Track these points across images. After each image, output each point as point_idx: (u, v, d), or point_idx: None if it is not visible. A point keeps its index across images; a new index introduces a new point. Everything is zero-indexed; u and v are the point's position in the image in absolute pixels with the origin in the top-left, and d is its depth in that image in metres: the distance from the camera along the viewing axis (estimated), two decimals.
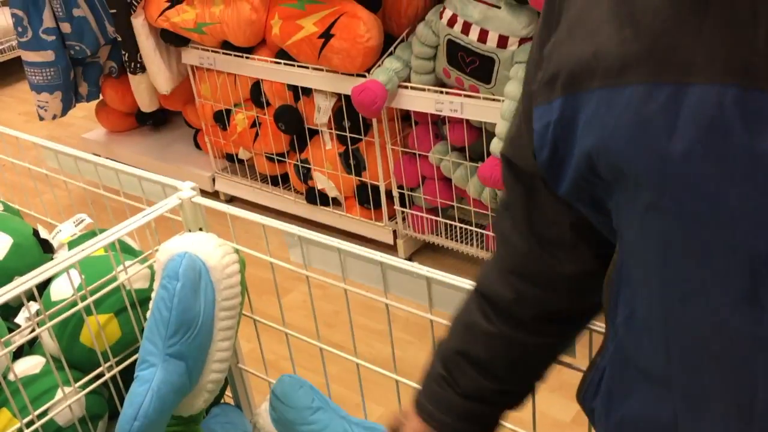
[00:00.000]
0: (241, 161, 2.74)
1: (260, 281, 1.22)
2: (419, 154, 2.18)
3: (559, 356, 0.73)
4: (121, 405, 1.17)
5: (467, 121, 2.00)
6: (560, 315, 0.66)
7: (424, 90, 2.00)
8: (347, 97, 2.15)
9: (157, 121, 3.18)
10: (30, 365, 1.11)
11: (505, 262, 0.67)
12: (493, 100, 1.86)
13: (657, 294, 0.49)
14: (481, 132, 2.04)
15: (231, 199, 2.84)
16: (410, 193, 2.30)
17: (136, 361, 1.15)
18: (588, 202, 0.55)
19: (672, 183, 0.45)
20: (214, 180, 2.84)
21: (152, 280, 1.17)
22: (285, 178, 2.63)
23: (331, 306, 1.15)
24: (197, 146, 2.98)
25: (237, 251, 1.08)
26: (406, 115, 2.22)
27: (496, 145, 1.81)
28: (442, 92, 1.96)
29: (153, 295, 1.01)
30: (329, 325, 1.93)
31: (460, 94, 1.92)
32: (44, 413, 1.06)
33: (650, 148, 0.45)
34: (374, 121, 2.19)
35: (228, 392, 1.39)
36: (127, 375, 1.16)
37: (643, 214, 0.48)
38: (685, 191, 0.44)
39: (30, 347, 1.19)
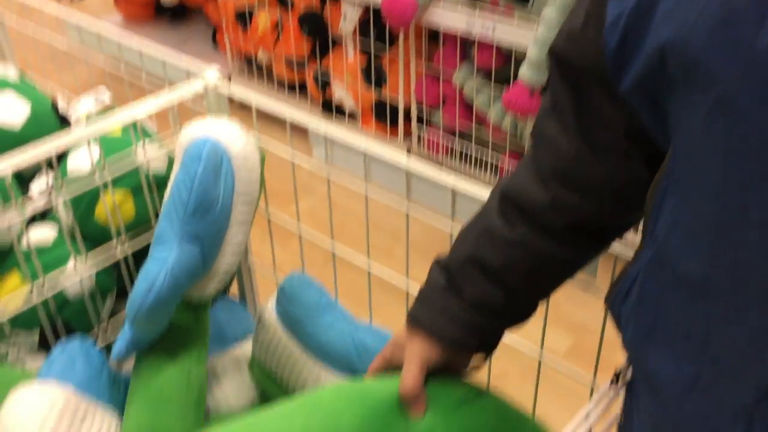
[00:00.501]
0: (259, 66, 2.68)
1: (270, 189, 1.22)
2: (443, 75, 2.13)
3: (573, 273, 0.71)
4: (131, 286, 1.17)
5: (496, 44, 1.95)
6: (592, 226, 0.64)
7: (456, 6, 1.93)
8: (375, 12, 2.09)
9: (176, 13, 3.09)
10: (42, 236, 1.10)
11: (545, 166, 0.64)
12: (528, 22, 1.80)
13: (710, 201, 0.47)
14: (509, 57, 1.99)
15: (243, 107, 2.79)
16: (429, 113, 2.26)
17: (148, 243, 1.15)
18: (646, 102, 0.53)
19: (753, 80, 0.43)
20: (230, 79, 2.78)
21: (170, 165, 1.15)
22: (302, 88, 2.57)
23: (337, 218, 1.15)
24: (215, 44, 2.91)
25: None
26: (433, 35, 2.15)
27: (525, 71, 1.76)
28: (475, 9, 1.90)
29: (171, 176, 0.99)
30: (335, 237, 1.93)
31: (493, 15, 1.86)
32: (54, 284, 1.07)
33: (735, 42, 0.43)
34: (400, 36, 2.12)
35: (234, 288, 1.40)
36: (139, 257, 1.16)
37: (710, 116, 0.46)
38: (766, 89, 0.42)
39: (42, 217, 1.19)
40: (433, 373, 0.72)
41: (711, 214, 0.47)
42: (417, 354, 0.70)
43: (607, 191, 0.62)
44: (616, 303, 0.58)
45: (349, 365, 1.02)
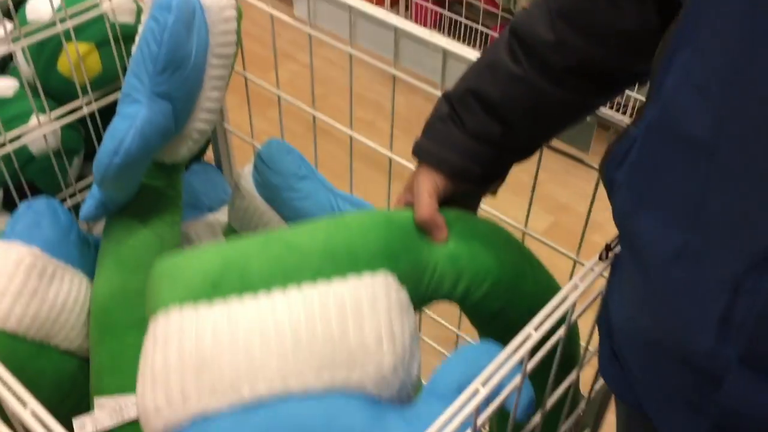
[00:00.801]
0: None
1: (248, 56, 1.14)
2: None
3: (574, 119, 0.71)
4: (98, 145, 1.12)
5: None
6: (595, 71, 0.63)
7: None
8: None
9: None
10: (2, 87, 1.03)
11: (554, 5, 0.63)
12: None
13: (725, 55, 0.44)
14: None
15: None
16: None
17: (116, 100, 1.08)
18: None
19: None
20: None
21: (139, 16, 1.07)
22: None
23: (319, 89, 1.09)
24: None
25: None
26: None
27: None
28: None
29: (140, 29, 0.91)
30: (316, 108, 1.87)
31: None
32: (17, 138, 1.01)
33: None
34: None
35: (209, 153, 1.35)
36: (106, 114, 1.10)
37: None
38: None
39: (1, 71, 1.11)
40: (447, 205, 0.72)
41: (724, 68, 0.44)
42: (425, 183, 0.70)
43: (614, 37, 0.60)
44: (611, 167, 0.55)
45: None
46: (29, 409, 0.51)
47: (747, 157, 0.44)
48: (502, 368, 0.52)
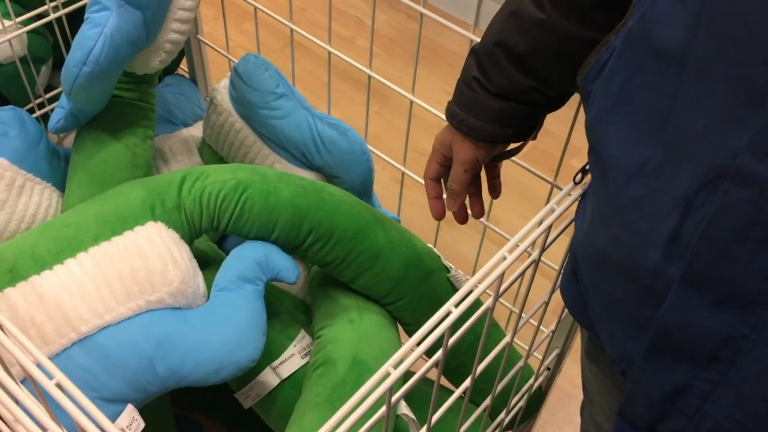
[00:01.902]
0: None
1: None
2: None
3: None
4: (67, 53, 1.07)
5: None
6: (620, 5, 0.59)
7: None
8: None
9: None
10: None
11: None
12: None
13: None
14: None
15: None
16: None
17: (84, 5, 1.03)
18: None
19: None
20: None
21: None
22: None
23: (297, 2, 1.04)
24: None
25: None
26: None
27: None
28: None
29: None
30: (294, 22, 1.82)
31: None
32: None
33: None
34: None
35: (183, 66, 1.31)
36: (75, 22, 1.05)
37: None
38: None
39: None
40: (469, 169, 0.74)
41: None
42: (461, 154, 0.72)
43: None
44: (589, 78, 0.54)
45: (304, 155, 0.98)
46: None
47: (715, 70, 0.43)
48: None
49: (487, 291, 0.53)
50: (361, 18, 2.13)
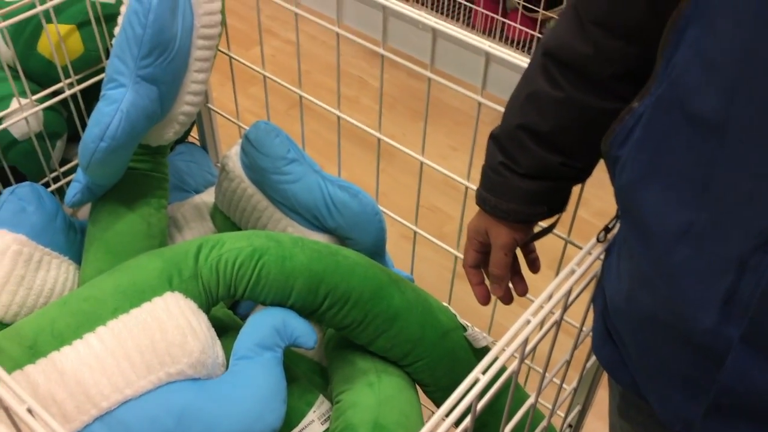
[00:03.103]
0: None
1: (230, 29, 1.12)
2: None
3: None
4: (82, 127, 1.10)
5: None
6: (640, 73, 0.60)
7: None
8: None
9: None
10: None
11: (586, 13, 0.60)
12: None
13: (738, 31, 0.43)
14: None
15: None
16: None
17: (98, 82, 1.06)
18: None
19: None
20: None
21: None
22: None
23: (302, 65, 1.08)
24: None
25: None
26: None
27: None
28: None
29: (123, 9, 0.89)
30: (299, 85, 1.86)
31: None
32: None
33: None
34: None
35: (194, 134, 1.33)
36: (89, 96, 1.08)
37: None
38: None
39: None
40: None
41: (737, 45, 0.44)
42: (500, 238, 0.72)
43: (651, 32, 0.57)
44: (615, 144, 0.55)
45: (316, 218, 0.99)
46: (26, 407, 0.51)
47: (756, 137, 0.43)
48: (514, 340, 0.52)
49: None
50: (364, 78, 2.17)
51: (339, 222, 0.98)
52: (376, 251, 1.01)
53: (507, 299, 0.78)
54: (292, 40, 2.19)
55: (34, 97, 1.01)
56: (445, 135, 1.91)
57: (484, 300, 0.79)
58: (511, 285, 0.78)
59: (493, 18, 2.02)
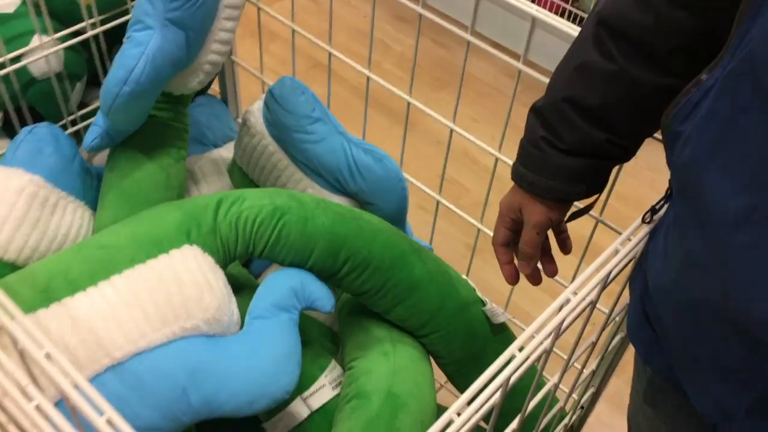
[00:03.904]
0: None
1: None
2: None
3: None
4: (103, 72, 1.07)
5: None
6: (702, 49, 0.57)
7: None
8: None
9: None
10: (2, 2, 0.97)
11: None
12: None
13: None
14: None
15: None
16: None
17: (121, 24, 1.03)
18: None
19: None
20: None
21: None
22: None
23: (324, 24, 1.04)
24: None
25: None
26: None
27: None
28: None
29: None
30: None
31: None
32: (17, 59, 0.96)
33: None
34: None
35: (215, 87, 1.30)
36: (111, 39, 1.05)
37: None
38: None
39: None
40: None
41: None
42: (534, 216, 0.70)
43: (718, 3, 0.53)
44: (677, 118, 0.52)
45: (338, 180, 0.97)
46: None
47: None
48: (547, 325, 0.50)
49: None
50: (387, 42, 2.13)
51: (361, 186, 0.96)
52: (397, 218, 0.99)
53: (536, 279, 0.76)
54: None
55: (56, 35, 0.98)
56: (466, 106, 1.87)
57: (513, 279, 0.76)
58: (540, 265, 0.76)
59: None
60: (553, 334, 0.52)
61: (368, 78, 1.02)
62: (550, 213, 0.69)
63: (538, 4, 1.99)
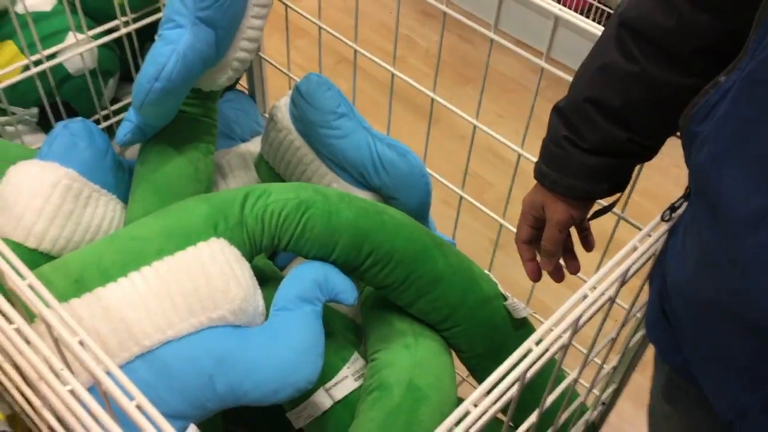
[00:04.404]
0: None
1: None
2: None
3: None
4: (135, 68, 1.09)
5: None
6: (725, 50, 0.57)
7: None
8: None
9: None
10: (40, 1, 1.00)
11: None
12: None
13: None
14: None
15: None
16: None
17: (153, 22, 1.06)
18: None
19: None
20: None
21: None
22: None
23: (349, 20, 1.05)
24: None
25: None
26: None
27: None
28: None
29: None
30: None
31: None
32: (53, 56, 0.99)
33: None
34: None
35: (242, 83, 1.32)
36: (142, 36, 1.07)
37: None
38: None
39: None
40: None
41: None
42: (557, 214, 0.70)
43: (741, 5, 0.54)
44: (695, 119, 0.52)
45: (362, 175, 0.98)
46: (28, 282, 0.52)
47: None
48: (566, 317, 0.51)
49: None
50: (412, 37, 2.13)
51: (385, 181, 0.97)
52: (420, 213, 1.00)
53: (558, 276, 0.77)
54: None
55: (90, 33, 1.01)
56: (490, 101, 1.88)
57: (535, 276, 0.77)
58: (562, 262, 0.77)
59: None
60: (570, 329, 0.53)
61: (392, 74, 1.03)
62: (573, 211, 0.69)
63: (563, 4, 1.99)
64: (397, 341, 0.85)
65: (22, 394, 0.62)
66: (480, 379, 0.92)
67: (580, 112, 0.64)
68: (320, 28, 1.08)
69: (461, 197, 1.10)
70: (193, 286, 0.73)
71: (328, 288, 0.80)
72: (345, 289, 0.81)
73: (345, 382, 0.85)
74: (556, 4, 0.76)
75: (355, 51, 1.05)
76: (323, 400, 0.84)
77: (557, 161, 0.67)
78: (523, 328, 0.90)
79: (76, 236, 0.87)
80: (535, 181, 0.72)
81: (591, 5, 1.93)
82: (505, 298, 0.88)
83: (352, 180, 1.00)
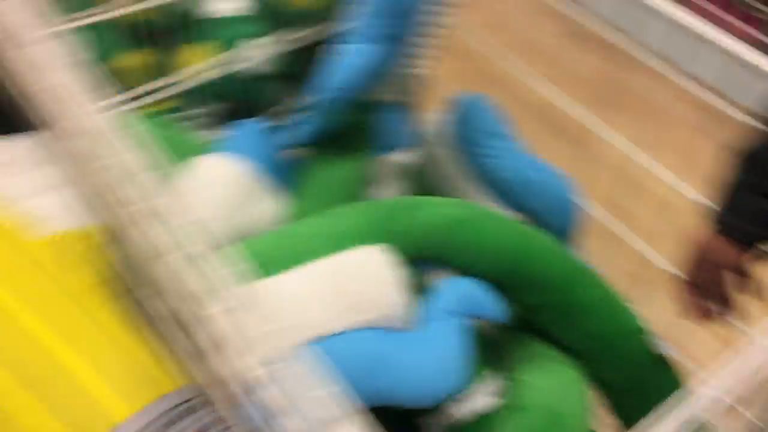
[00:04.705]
0: None
1: None
2: None
3: None
4: (312, 76, 1.15)
5: None
6: None
7: None
8: None
9: None
10: (232, 7, 1.08)
11: None
12: None
13: None
14: None
15: None
16: None
17: (334, 33, 1.11)
18: None
19: None
20: None
21: None
22: None
23: (500, 36, 1.07)
24: None
25: None
26: None
27: None
28: None
29: None
30: (494, 55, 1.84)
31: None
32: (237, 59, 1.06)
33: None
34: None
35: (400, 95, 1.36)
36: (322, 46, 1.13)
37: None
38: None
39: None
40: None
41: None
42: (721, 260, 0.70)
43: None
44: None
45: (512, 197, 1.00)
46: None
47: None
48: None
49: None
50: (558, 57, 2.11)
51: (534, 205, 0.98)
52: (567, 238, 1.01)
53: (716, 319, 0.76)
54: (497, 10, 2.16)
55: (272, 39, 1.08)
56: (643, 130, 1.82)
57: (701, 317, 0.76)
58: (718, 305, 0.75)
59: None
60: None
61: (543, 97, 1.04)
62: (741, 255, 0.68)
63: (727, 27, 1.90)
64: (537, 365, 0.86)
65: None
66: (615, 413, 0.91)
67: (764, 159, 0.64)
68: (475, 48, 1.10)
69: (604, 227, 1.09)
70: (353, 288, 0.77)
71: (477, 304, 0.83)
72: (493, 308, 0.83)
73: (476, 398, 0.87)
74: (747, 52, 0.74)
75: (506, 71, 1.07)
76: (458, 412, 0.86)
77: (735, 205, 0.67)
78: (664, 366, 0.88)
79: (242, 227, 0.94)
80: (698, 220, 0.70)
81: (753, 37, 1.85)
82: (648, 334, 0.87)
83: (501, 201, 1.02)
